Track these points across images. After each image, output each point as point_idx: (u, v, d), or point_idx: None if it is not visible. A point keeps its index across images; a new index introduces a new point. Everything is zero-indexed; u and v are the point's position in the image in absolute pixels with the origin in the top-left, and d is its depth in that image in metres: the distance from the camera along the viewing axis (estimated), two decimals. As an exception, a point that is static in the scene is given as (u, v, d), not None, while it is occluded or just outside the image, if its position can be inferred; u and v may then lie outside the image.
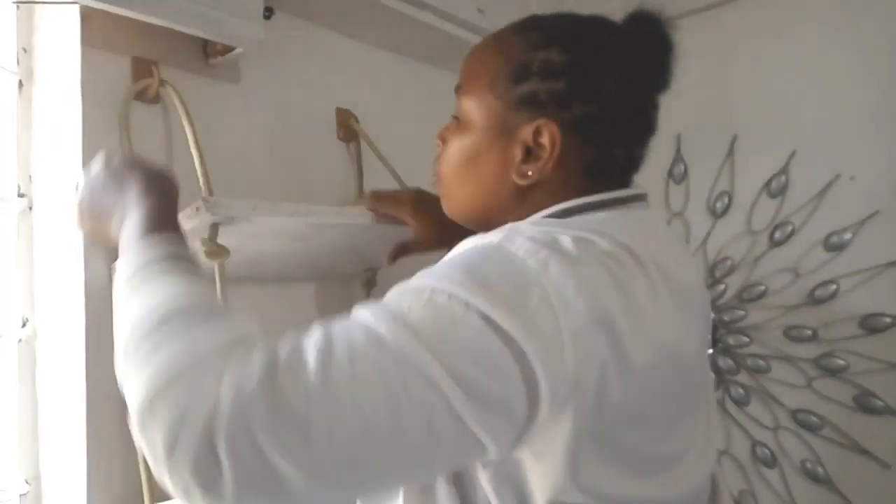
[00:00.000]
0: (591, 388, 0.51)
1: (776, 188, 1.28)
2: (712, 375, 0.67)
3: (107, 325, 0.89)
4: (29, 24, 0.96)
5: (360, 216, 1.03)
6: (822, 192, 1.23)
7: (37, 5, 0.94)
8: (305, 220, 0.87)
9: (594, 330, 0.51)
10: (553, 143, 0.62)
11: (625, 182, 0.68)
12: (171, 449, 0.44)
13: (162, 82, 0.95)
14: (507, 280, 0.51)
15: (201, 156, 0.87)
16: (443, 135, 0.73)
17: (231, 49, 0.99)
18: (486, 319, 0.49)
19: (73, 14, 0.89)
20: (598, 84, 0.63)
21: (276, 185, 1.13)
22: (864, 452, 1.18)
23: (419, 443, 0.47)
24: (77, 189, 0.69)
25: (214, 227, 0.81)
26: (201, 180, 0.85)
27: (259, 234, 0.88)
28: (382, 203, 0.92)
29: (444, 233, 0.83)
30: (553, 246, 0.54)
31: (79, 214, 0.69)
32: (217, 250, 0.82)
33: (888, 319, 1.16)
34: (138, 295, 0.57)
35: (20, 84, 0.95)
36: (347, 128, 1.25)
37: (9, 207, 0.94)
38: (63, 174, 0.91)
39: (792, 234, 1.26)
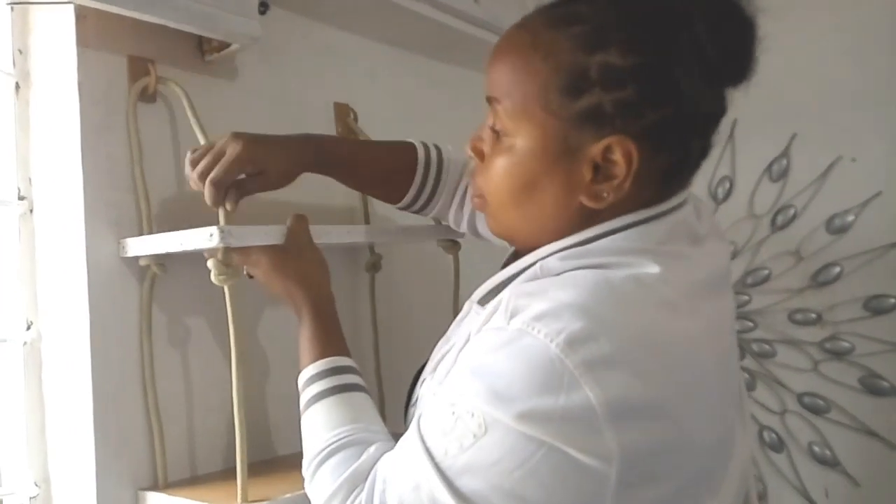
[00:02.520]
0: (641, 461, 0.50)
1: (777, 172, 1.27)
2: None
3: (111, 326, 0.90)
4: (24, 26, 0.95)
5: (370, 234, 1.05)
6: (824, 174, 1.23)
7: (31, 6, 0.94)
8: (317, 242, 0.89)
9: (632, 408, 0.50)
10: (629, 161, 0.55)
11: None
12: None
13: (160, 80, 0.94)
14: (531, 381, 0.50)
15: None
16: (478, 147, 0.64)
17: (227, 45, 0.99)
18: (517, 434, 0.50)
19: (68, 14, 0.88)
20: (671, 85, 0.55)
21: (277, 182, 1.13)
22: (872, 434, 1.18)
23: None
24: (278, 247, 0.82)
25: (227, 253, 0.81)
26: None
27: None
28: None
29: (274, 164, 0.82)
30: (579, 309, 0.51)
31: (272, 266, 0.81)
32: (227, 273, 0.81)
33: (893, 300, 1.16)
34: (311, 414, 0.73)
35: (17, 86, 0.95)
36: (345, 122, 1.25)
37: (9, 210, 0.94)
38: (63, 175, 0.90)
39: (794, 217, 1.26)
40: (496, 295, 0.61)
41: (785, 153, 1.26)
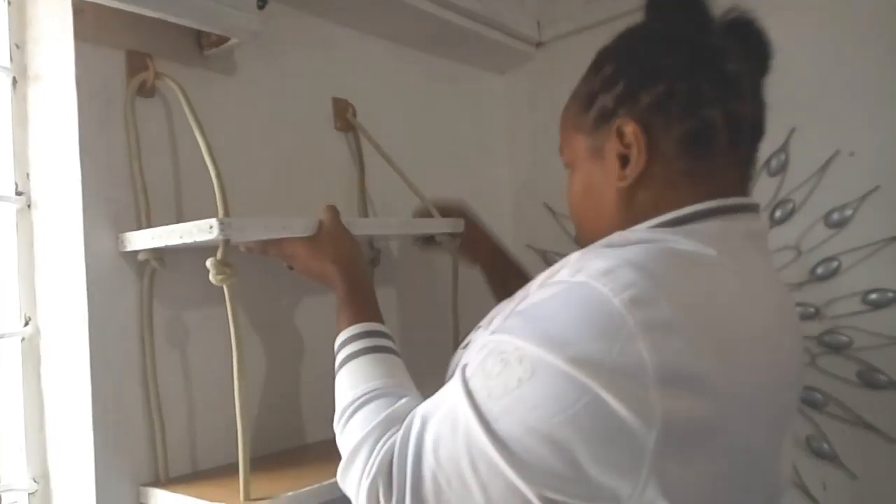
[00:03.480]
0: (679, 433, 0.51)
1: (776, 166, 1.27)
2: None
3: (110, 321, 0.89)
4: (21, 20, 0.95)
5: (370, 227, 1.06)
6: (822, 168, 1.22)
7: (29, 0, 0.93)
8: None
9: (682, 374, 0.51)
10: (636, 135, 0.63)
11: (742, 178, 0.67)
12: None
13: (158, 75, 0.94)
14: (584, 325, 0.53)
15: (212, 154, 0.86)
16: (566, 186, 0.76)
17: (225, 40, 0.99)
18: (566, 377, 0.52)
19: (65, 8, 0.88)
20: (652, 68, 0.64)
21: (275, 178, 1.13)
22: (870, 427, 1.18)
23: None
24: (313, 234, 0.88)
25: (226, 244, 0.81)
26: (216, 185, 0.84)
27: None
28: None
29: None
30: (648, 274, 0.54)
31: (311, 252, 0.87)
32: (226, 273, 0.81)
33: (891, 294, 1.16)
34: (344, 372, 0.76)
35: (14, 81, 0.94)
36: (344, 118, 1.24)
37: (7, 206, 0.93)
38: (61, 170, 0.90)
39: (792, 211, 1.26)
40: None
41: (784, 147, 1.26)
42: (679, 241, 0.59)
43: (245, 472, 0.82)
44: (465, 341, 0.75)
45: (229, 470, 0.92)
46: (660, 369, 0.50)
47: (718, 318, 0.56)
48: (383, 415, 0.66)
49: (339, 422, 0.71)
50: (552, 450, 0.52)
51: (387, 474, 0.61)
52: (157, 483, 0.91)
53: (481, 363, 0.58)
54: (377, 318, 0.82)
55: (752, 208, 0.66)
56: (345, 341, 0.78)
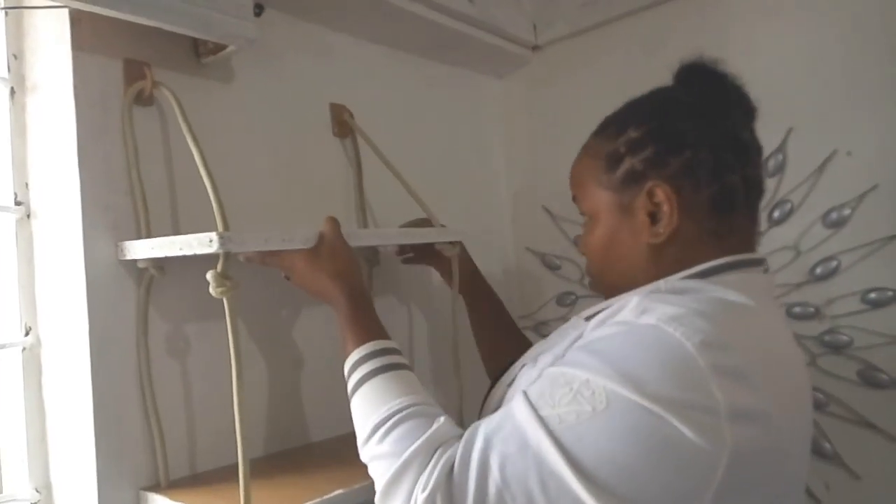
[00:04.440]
0: (748, 460, 0.56)
1: (774, 167, 1.27)
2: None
3: (110, 329, 0.89)
4: (18, 30, 0.95)
5: (369, 238, 1.06)
6: (820, 168, 1.23)
7: (26, 11, 0.94)
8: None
9: (748, 413, 0.57)
10: (668, 196, 0.70)
11: (754, 234, 0.75)
12: None
13: (155, 84, 0.94)
14: (660, 365, 0.57)
15: (207, 166, 0.86)
16: (582, 237, 0.81)
17: (223, 48, 0.99)
18: (642, 410, 0.56)
19: (62, 18, 0.88)
20: (679, 135, 0.71)
21: (274, 183, 1.13)
22: (871, 427, 1.18)
23: None
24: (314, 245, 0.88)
25: (226, 257, 0.81)
26: (213, 199, 0.84)
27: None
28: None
29: None
30: (712, 322, 0.59)
31: (309, 264, 0.87)
32: (226, 286, 0.81)
33: (891, 293, 1.16)
34: (363, 392, 0.76)
35: (12, 91, 0.94)
36: (342, 123, 1.25)
37: (7, 216, 0.94)
38: (60, 180, 0.90)
39: (791, 212, 1.26)
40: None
41: (781, 148, 1.26)
42: (719, 290, 0.66)
43: (245, 482, 0.81)
44: (510, 378, 0.80)
45: (228, 472, 0.92)
46: (730, 406, 0.55)
47: (771, 360, 0.63)
48: (428, 432, 0.67)
49: (368, 442, 0.71)
50: (624, 475, 0.56)
51: (446, 488, 0.62)
52: (157, 488, 0.91)
53: (546, 392, 0.62)
54: (383, 334, 0.83)
55: (762, 262, 0.74)
56: (356, 362, 0.79)
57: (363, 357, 0.78)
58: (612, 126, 0.76)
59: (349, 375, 0.79)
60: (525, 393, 0.64)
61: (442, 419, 0.69)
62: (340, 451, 1.07)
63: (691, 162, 0.70)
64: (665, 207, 0.70)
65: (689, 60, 0.76)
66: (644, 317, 0.62)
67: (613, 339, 0.62)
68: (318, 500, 0.84)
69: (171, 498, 0.88)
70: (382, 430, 0.70)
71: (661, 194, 0.70)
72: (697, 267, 0.69)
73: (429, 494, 0.61)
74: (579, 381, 0.59)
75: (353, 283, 0.86)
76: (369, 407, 0.73)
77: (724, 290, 0.66)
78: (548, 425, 0.59)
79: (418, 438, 0.66)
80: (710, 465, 0.55)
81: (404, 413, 0.70)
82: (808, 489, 1.24)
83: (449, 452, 0.64)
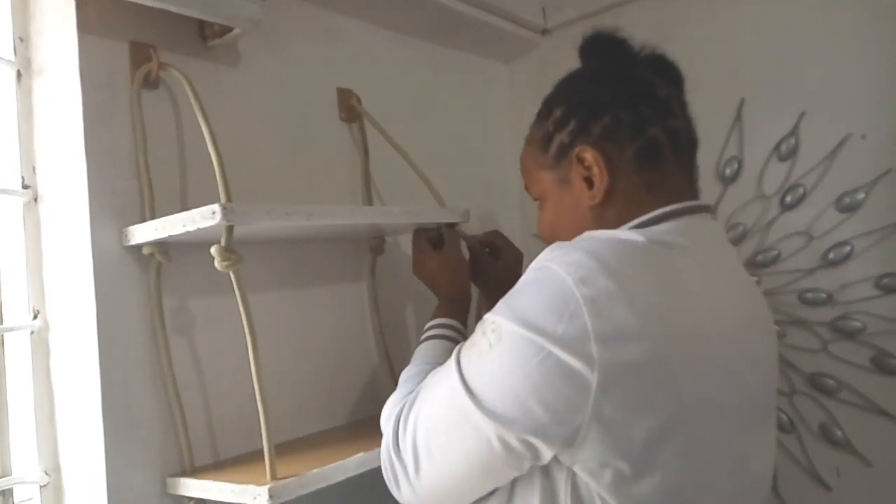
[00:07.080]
0: (621, 389, 0.62)
1: (786, 151, 1.26)
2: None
3: (117, 313, 0.89)
4: (24, 13, 0.95)
5: (374, 215, 1.05)
6: (833, 152, 1.21)
7: (31, -7, 0.93)
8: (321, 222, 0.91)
9: (627, 336, 0.62)
10: (595, 158, 0.75)
11: (691, 182, 0.79)
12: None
13: (162, 66, 0.94)
14: (544, 301, 0.64)
15: (215, 142, 0.85)
16: (538, 222, 0.88)
17: (228, 30, 0.98)
18: (525, 340, 0.64)
19: (68, 0, 0.88)
20: (594, 102, 0.77)
21: (280, 168, 1.12)
22: (883, 413, 1.17)
23: (485, 477, 0.69)
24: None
25: (230, 231, 0.81)
26: (217, 171, 0.84)
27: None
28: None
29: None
30: (596, 257, 0.65)
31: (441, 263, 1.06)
32: (231, 259, 0.81)
33: (904, 279, 1.15)
34: (418, 349, 0.94)
35: (18, 74, 0.94)
36: (349, 108, 1.24)
37: (14, 200, 0.93)
38: (66, 163, 0.90)
39: (803, 196, 1.24)
40: None
41: (794, 132, 1.25)
42: (633, 234, 0.70)
43: (270, 452, 0.82)
44: None
45: (252, 457, 0.93)
46: (600, 331, 0.61)
47: (673, 291, 0.67)
48: (417, 381, 0.82)
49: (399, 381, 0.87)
50: (509, 398, 0.64)
51: (403, 417, 0.75)
52: (184, 473, 0.92)
53: (469, 339, 0.72)
54: (462, 319, 0.99)
55: (707, 209, 0.77)
56: (427, 328, 0.96)
57: (433, 325, 0.96)
58: (542, 113, 0.83)
59: (422, 333, 0.97)
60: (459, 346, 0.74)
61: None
62: (359, 431, 1.07)
63: (611, 124, 0.75)
64: (595, 169, 0.75)
65: (587, 34, 0.83)
66: (541, 261, 0.68)
67: (519, 284, 0.70)
68: (340, 461, 0.88)
69: (198, 478, 0.89)
70: (404, 376, 0.86)
71: (589, 157, 0.75)
72: (634, 220, 0.73)
73: (395, 418, 0.76)
74: (488, 323, 0.69)
75: (456, 284, 1.04)
76: (412, 360, 0.91)
77: (637, 233, 0.70)
78: (460, 364, 0.70)
79: (412, 386, 0.81)
80: (584, 384, 0.61)
81: (422, 368, 0.85)
82: (819, 476, 1.23)
83: (415, 392, 0.77)
